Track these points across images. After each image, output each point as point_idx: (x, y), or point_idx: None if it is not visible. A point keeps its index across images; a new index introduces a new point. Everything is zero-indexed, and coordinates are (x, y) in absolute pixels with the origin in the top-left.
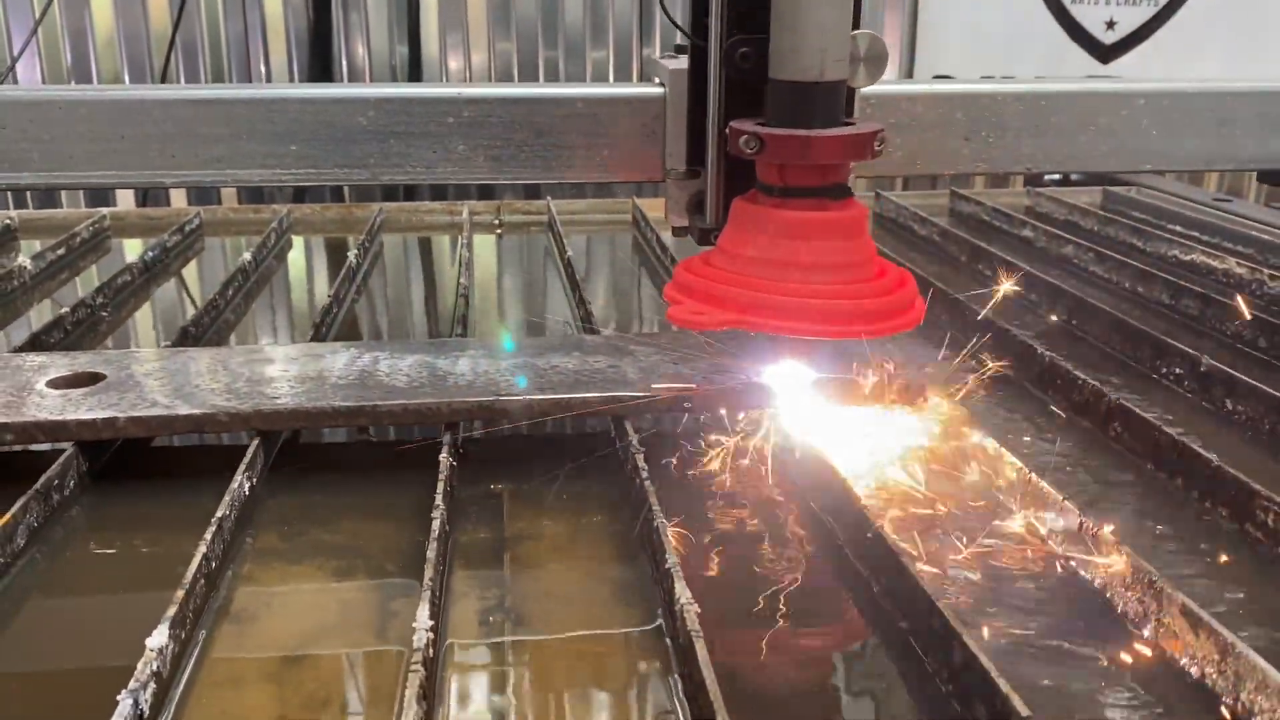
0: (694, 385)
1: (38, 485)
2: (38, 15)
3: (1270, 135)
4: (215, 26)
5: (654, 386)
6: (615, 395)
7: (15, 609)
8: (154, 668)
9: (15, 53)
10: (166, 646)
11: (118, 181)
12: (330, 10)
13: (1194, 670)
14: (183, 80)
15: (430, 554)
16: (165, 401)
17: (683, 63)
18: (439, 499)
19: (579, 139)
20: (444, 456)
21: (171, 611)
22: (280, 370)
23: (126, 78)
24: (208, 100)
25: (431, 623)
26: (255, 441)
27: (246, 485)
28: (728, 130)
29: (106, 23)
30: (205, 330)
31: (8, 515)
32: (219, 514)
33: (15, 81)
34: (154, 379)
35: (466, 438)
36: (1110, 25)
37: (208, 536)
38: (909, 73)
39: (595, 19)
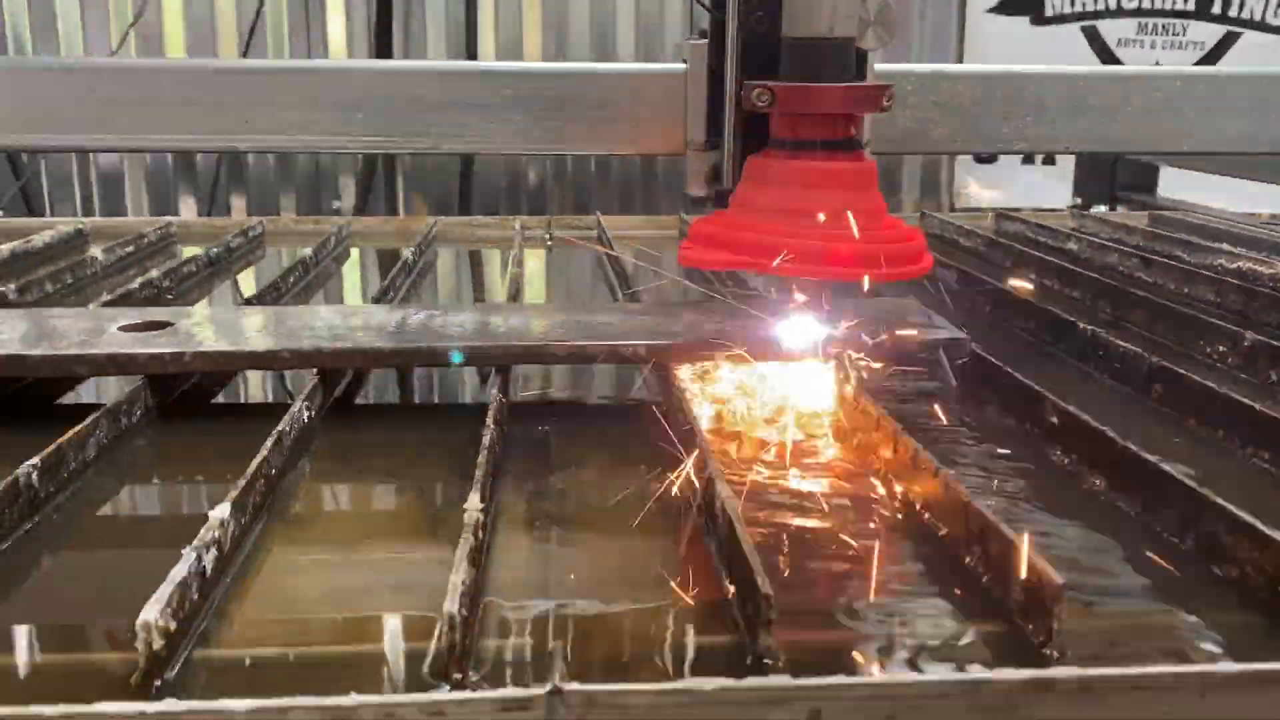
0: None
1: (109, 405)
2: (114, 48)
3: None
4: (280, 51)
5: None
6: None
7: (78, 517)
8: (215, 535)
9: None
10: (228, 520)
11: (196, 145)
12: (390, 33)
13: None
14: None
15: (481, 459)
16: (230, 342)
17: (704, 41)
18: (490, 420)
19: (622, 109)
20: (495, 392)
21: (233, 494)
22: (339, 320)
23: None
24: (283, 70)
25: (481, 504)
26: (315, 379)
27: (306, 414)
28: (743, 91)
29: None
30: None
31: (82, 425)
32: (279, 428)
33: None
34: (219, 327)
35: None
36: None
37: (268, 444)
38: None
39: (648, 46)
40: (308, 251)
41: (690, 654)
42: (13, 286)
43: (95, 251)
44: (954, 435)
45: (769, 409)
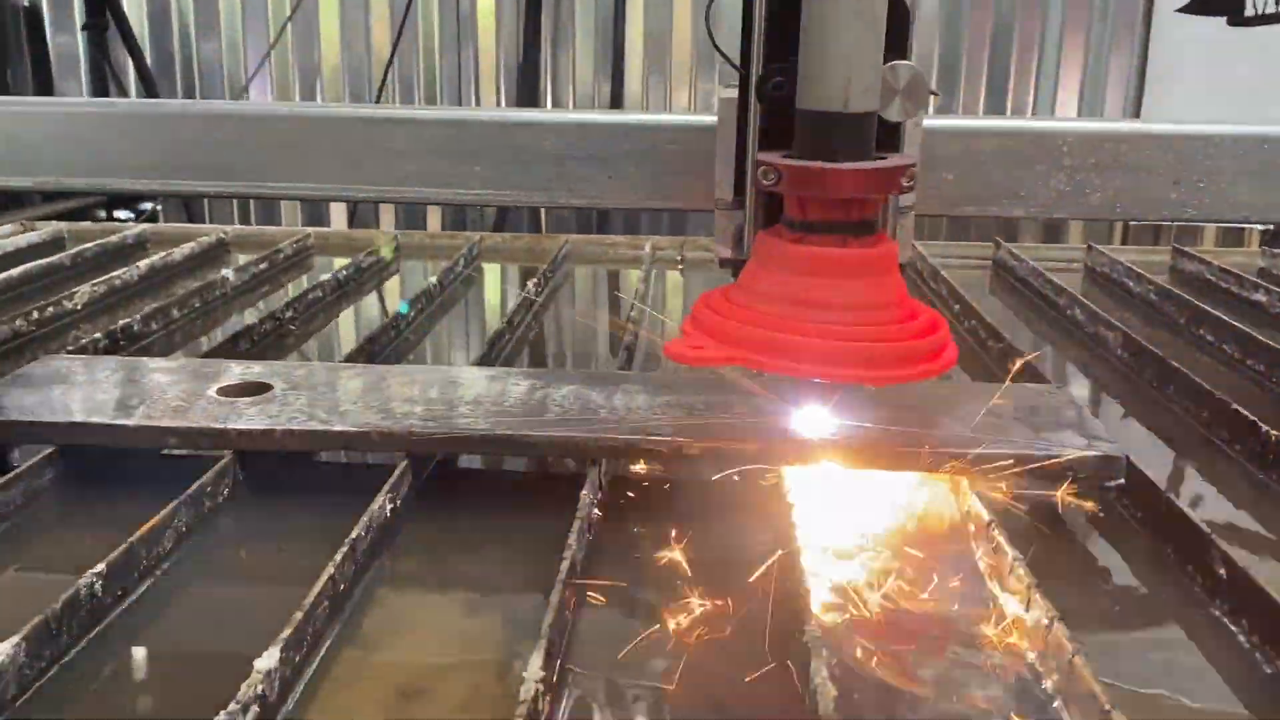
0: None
1: (190, 491)
2: (271, 41)
3: None
4: (431, 59)
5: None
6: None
7: (157, 608)
8: (258, 690)
9: (248, 78)
10: (275, 670)
11: (308, 194)
12: (539, 47)
13: None
14: (398, 101)
15: (553, 598)
16: (323, 416)
17: (735, 95)
18: (573, 538)
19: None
20: (585, 492)
21: (286, 634)
22: (435, 392)
23: (348, 103)
24: (400, 119)
25: (543, 674)
26: (404, 464)
27: (389, 507)
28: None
29: (333, 53)
30: (384, 348)
31: (156, 519)
32: (353, 535)
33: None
34: (314, 394)
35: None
36: None
37: (337, 558)
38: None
39: None
40: (433, 280)
41: None
42: (139, 316)
43: (228, 272)
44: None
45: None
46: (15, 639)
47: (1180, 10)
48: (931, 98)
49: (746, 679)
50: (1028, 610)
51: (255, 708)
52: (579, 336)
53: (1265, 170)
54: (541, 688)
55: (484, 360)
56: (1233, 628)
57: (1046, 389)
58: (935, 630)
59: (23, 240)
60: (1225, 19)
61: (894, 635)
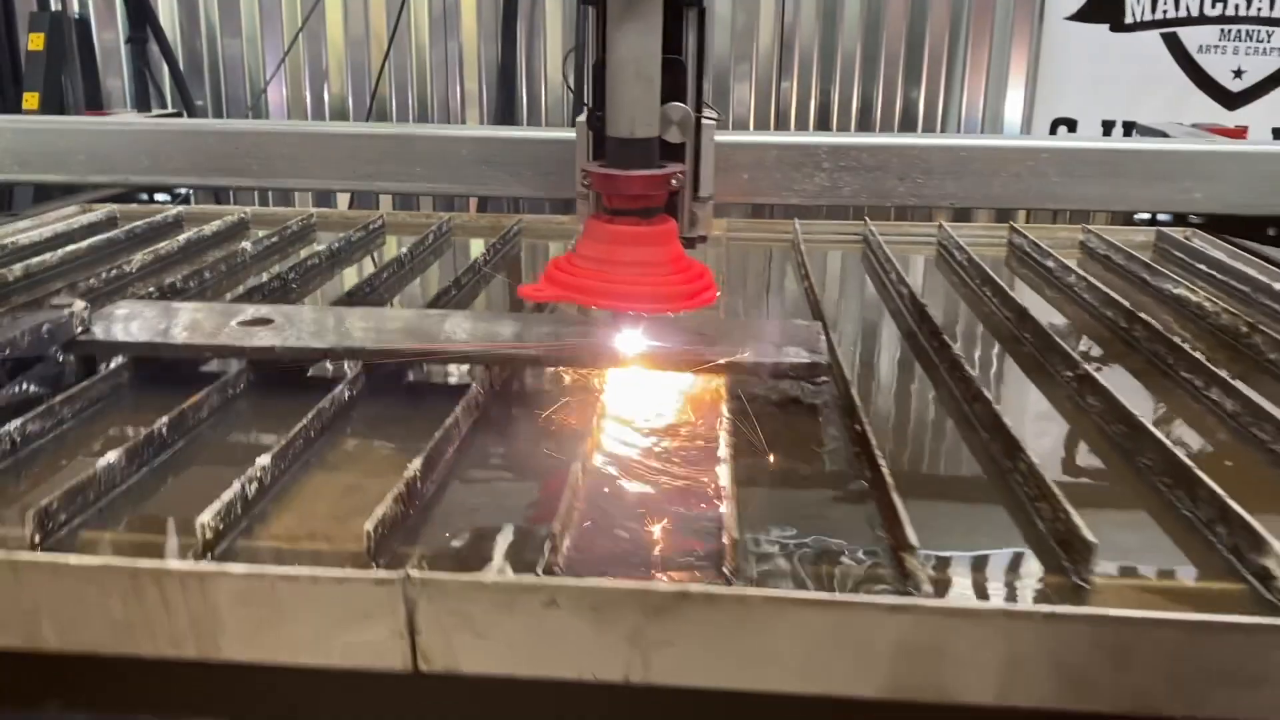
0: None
1: (218, 383)
2: (285, 48)
3: (1156, 183)
4: (422, 55)
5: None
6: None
7: (190, 459)
8: (257, 473)
9: (267, 79)
10: (268, 466)
11: (300, 186)
12: (515, 52)
13: None
14: (393, 100)
15: (437, 434)
16: (306, 339)
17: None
18: (459, 409)
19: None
20: (474, 385)
21: (276, 447)
22: (378, 323)
23: (350, 99)
24: (364, 135)
25: (421, 468)
26: (358, 368)
27: (346, 394)
28: None
29: (339, 55)
30: (360, 299)
31: (197, 396)
32: (320, 406)
33: (268, 100)
34: (306, 324)
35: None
36: (1238, 74)
37: (308, 417)
38: (1029, 115)
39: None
40: (404, 250)
41: None
42: (180, 276)
43: (246, 244)
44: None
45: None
46: (119, 451)
47: (1068, 19)
48: (714, 120)
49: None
50: (731, 455)
51: (255, 483)
52: (504, 292)
53: (960, 168)
54: (420, 472)
55: (429, 307)
56: (863, 482)
57: (807, 324)
58: (664, 459)
59: (85, 219)
60: (1108, 26)
61: (642, 458)
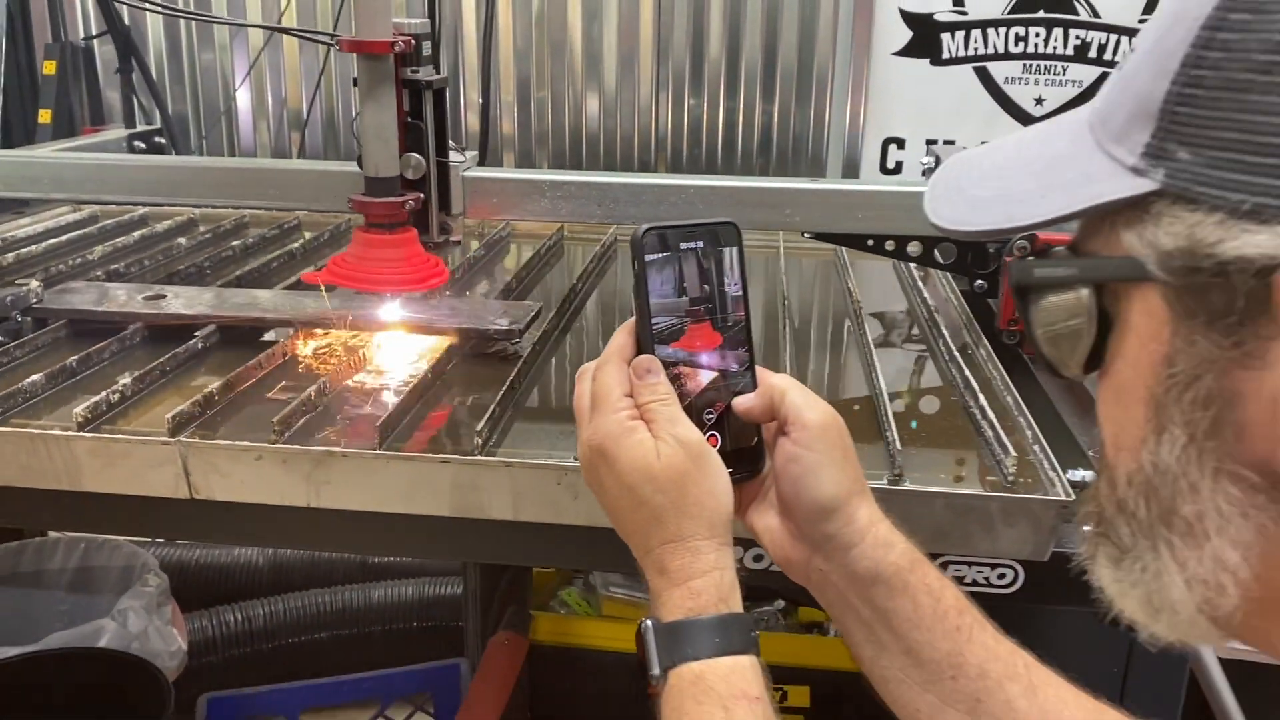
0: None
1: (122, 334)
2: (251, 60)
3: (765, 210)
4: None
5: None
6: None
7: (88, 383)
8: (119, 387)
9: (236, 85)
10: (129, 383)
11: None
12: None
13: None
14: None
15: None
16: (185, 309)
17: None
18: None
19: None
20: (298, 342)
21: (153, 363)
22: (245, 300)
23: (304, 107)
24: (230, 169)
25: (219, 386)
26: (212, 327)
27: (199, 345)
28: None
29: (294, 65)
30: (253, 281)
31: (104, 343)
32: (175, 351)
33: (236, 106)
34: (190, 300)
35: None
36: (1039, 101)
37: (163, 359)
38: (862, 134)
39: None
40: (298, 245)
41: None
42: (124, 264)
43: (182, 239)
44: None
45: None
46: (42, 374)
47: (895, 54)
48: (461, 160)
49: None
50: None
51: (118, 394)
52: None
53: (634, 199)
54: (218, 389)
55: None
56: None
57: (529, 303)
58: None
59: (72, 217)
60: (928, 60)
61: (360, 390)
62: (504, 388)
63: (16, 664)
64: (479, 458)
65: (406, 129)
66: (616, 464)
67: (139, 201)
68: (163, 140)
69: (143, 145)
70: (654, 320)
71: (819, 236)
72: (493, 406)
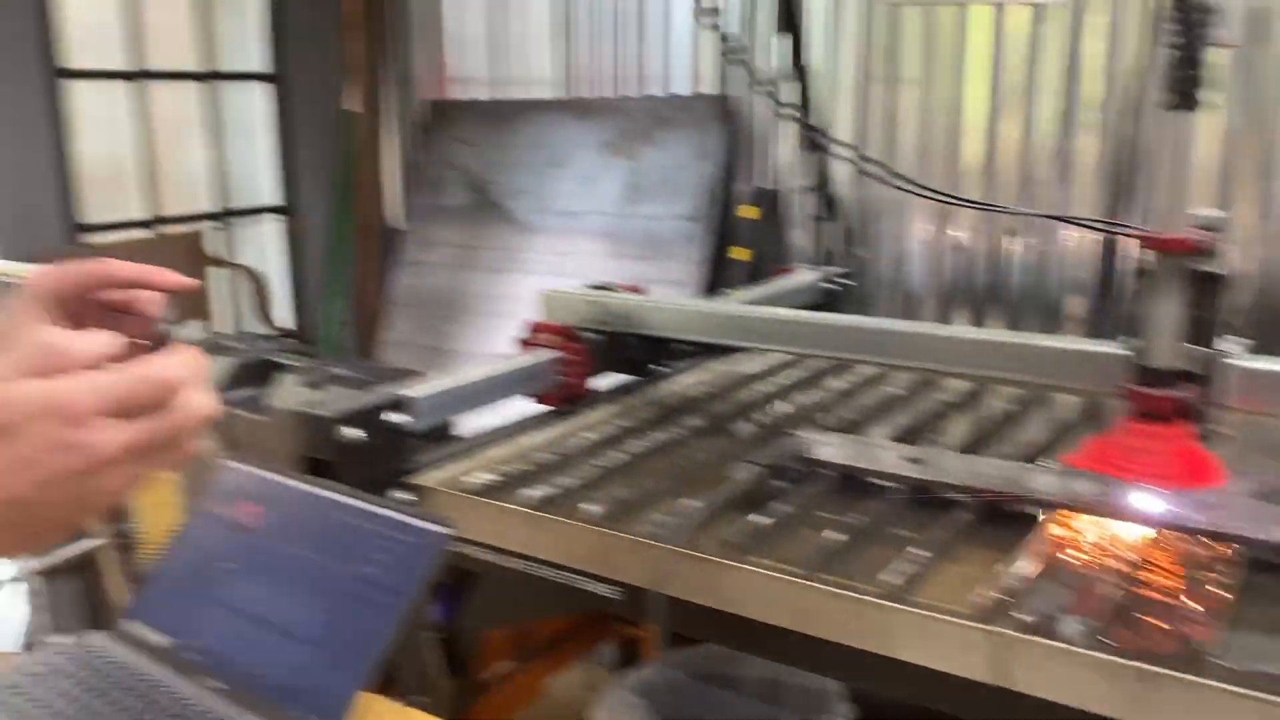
0: None
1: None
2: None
3: None
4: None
5: None
6: None
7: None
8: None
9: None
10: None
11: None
12: None
13: None
14: None
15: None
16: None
17: None
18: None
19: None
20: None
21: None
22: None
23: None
24: (938, 335)
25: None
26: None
27: (966, 516)
28: None
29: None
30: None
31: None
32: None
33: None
34: (942, 466)
35: None
36: None
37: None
38: None
39: None
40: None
41: None
42: (859, 415)
43: (920, 398)
44: None
45: None
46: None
47: None
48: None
49: None
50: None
51: (917, 565)
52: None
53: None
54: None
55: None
56: None
57: None
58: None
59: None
60: None
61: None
62: None
63: None
64: None
65: (1188, 320)
66: None
67: (883, 363)
68: (849, 283)
69: (835, 287)
70: None
71: None
72: None
